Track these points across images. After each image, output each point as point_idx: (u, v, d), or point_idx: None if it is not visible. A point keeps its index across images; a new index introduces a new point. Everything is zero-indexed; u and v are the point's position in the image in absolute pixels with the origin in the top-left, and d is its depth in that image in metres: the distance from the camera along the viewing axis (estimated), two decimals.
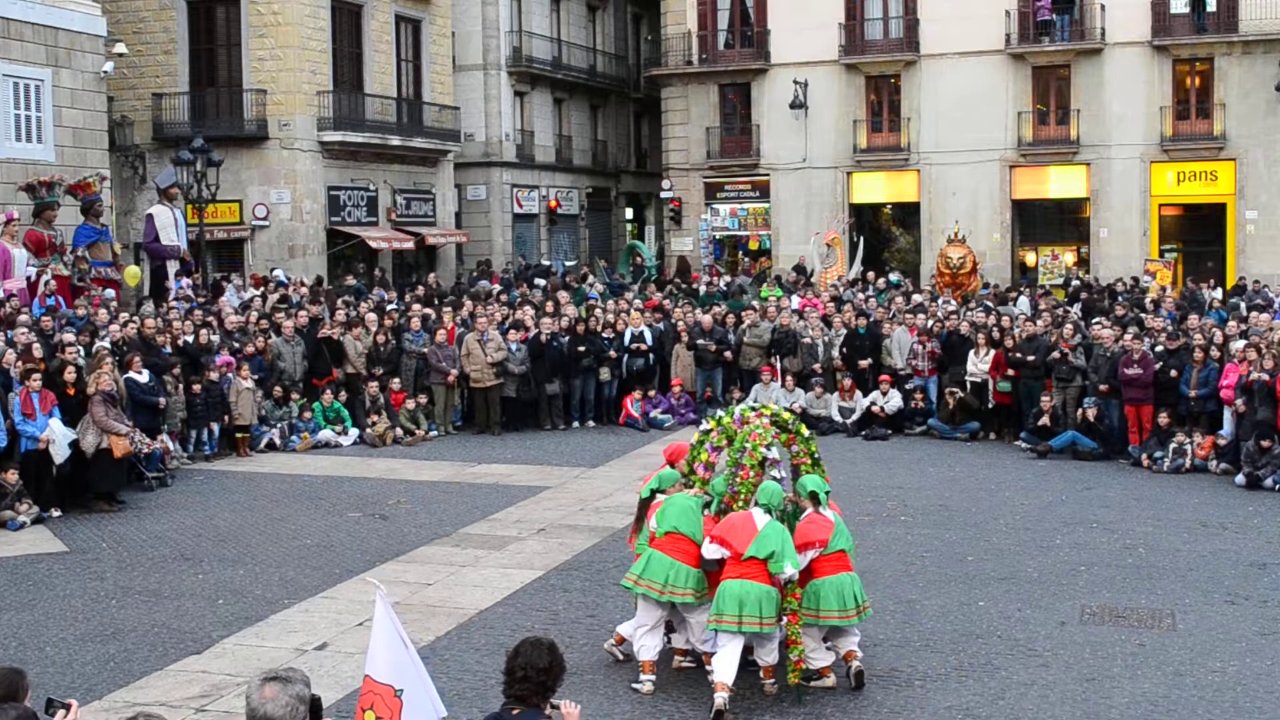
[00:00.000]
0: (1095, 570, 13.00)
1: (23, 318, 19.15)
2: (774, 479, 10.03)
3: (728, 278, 34.55)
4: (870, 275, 32.67)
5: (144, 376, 17.82)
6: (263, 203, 32.25)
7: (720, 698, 9.04)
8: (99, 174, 26.18)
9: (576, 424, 23.04)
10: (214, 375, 19.65)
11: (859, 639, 9.89)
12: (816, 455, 10.32)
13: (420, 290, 29.04)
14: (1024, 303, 27.84)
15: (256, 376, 20.45)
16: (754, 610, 9.13)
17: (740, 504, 9.86)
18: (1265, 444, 17.28)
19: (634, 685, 9.63)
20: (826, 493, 9.88)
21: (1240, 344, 19.22)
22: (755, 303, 27.24)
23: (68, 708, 4.97)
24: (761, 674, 9.55)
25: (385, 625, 5.35)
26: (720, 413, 10.60)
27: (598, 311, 24.46)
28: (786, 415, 10.37)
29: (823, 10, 39.34)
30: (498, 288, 30.74)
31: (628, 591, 10.00)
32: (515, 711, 5.30)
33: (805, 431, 10.40)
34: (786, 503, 9.94)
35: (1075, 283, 33.04)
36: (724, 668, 9.19)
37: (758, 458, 9.94)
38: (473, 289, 30.94)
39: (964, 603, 11.85)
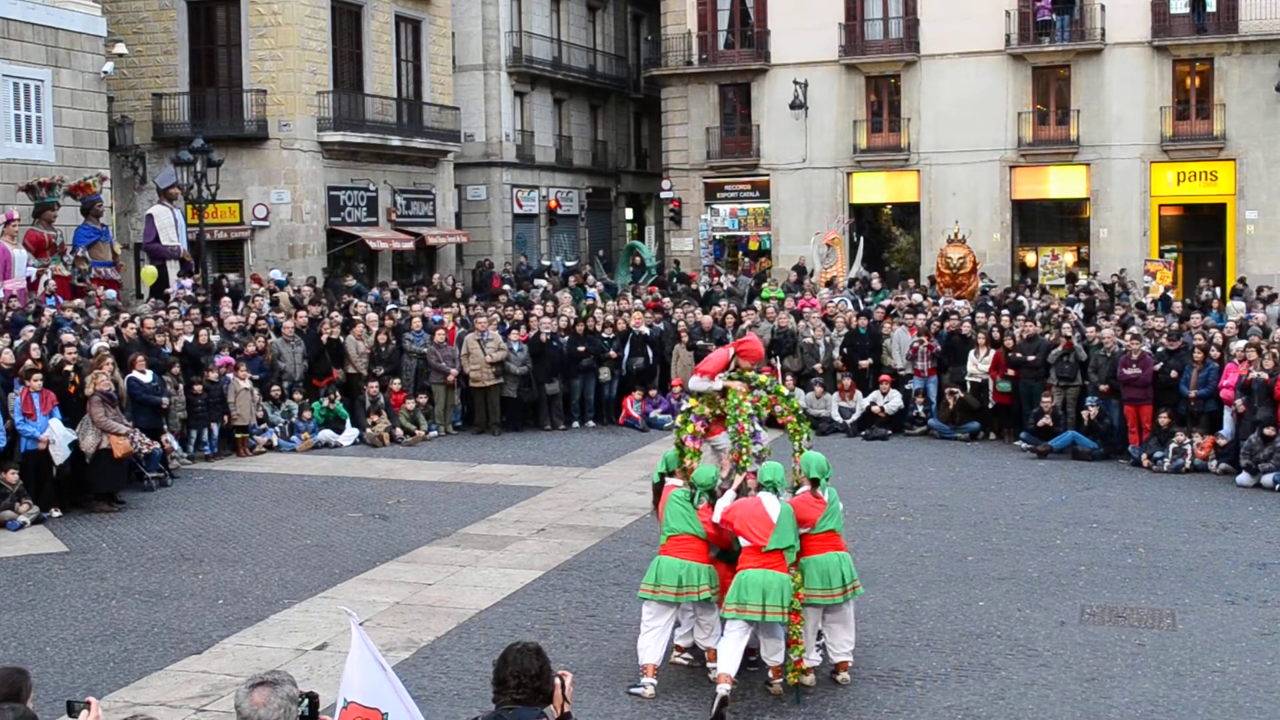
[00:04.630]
0: (1095, 570, 13.00)
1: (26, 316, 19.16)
2: (754, 430, 10.18)
3: (732, 278, 34.56)
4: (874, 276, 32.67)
5: (147, 376, 17.83)
6: (263, 203, 32.23)
7: (724, 688, 9.03)
8: (99, 174, 26.18)
9: (576, 424, 23.05)
10: (213, 375, 19.65)
11: (853, 644, 9.85)
12: (799, 411, 10.50)
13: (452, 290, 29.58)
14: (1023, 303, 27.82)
15: (256, 377, 20.46)
16: (776, 600, 9.14)
17: (746, 459, 9.94)
18: (1269, 432, 17.25)
19: (633, 690, 9.58)
20: (827, 476, 9.85)
21: (1240, 344, 19.24)
22: (756, 302, 27.26)
23: (87, 706, 4.97)
24: (770, 674, 9.53)
25: (361, 650, 5.37)
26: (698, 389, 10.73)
27: (598, 312, 24.47)
28: (763, 378, 10.50)
29: (823, 10, 39.30)
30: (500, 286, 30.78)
31: (643, 600, 9.90)
32: (511, 711, 5.30)
33: (784, 390, 10.60)
34: (790, 478, 10.01)
35: (1080, 281, 33.11)
36: (729, 660, 9.17)
37: (745, 411, 10.11)
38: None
39: (964, 603, 11.85)
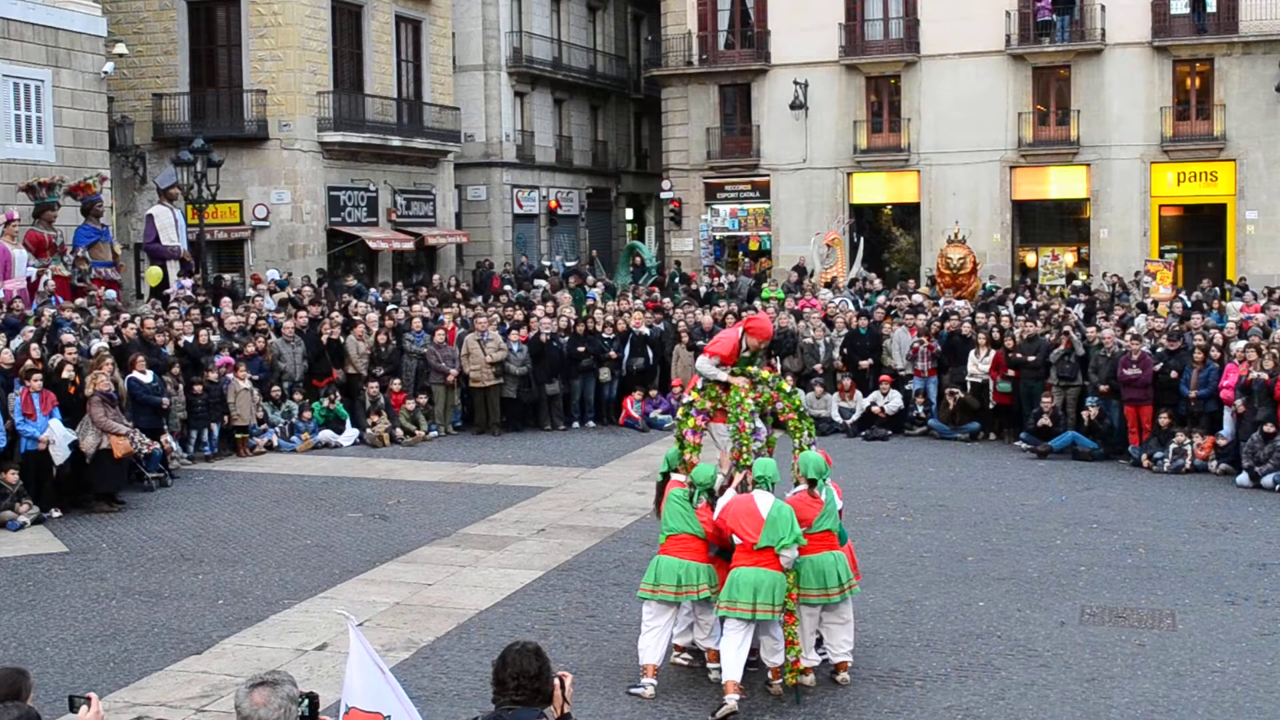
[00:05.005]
0: (1095, 570, 13.00)
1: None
2: (755, 427, 10.17)
3: (732, 277, 34.57)
4: (872, 276, 32.69)
5: (148, 376, 17.82)
6: (263, 203, 32.25)
7: (732, 700, 9.02)
8: (99, 174, 26.17)
9: (576, 424, 23.05)
10: (213, 376, 19.65)
11: (852, 644, 9.85)
12: (801, 409, 10.49)
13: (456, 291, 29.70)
14: (1020, 304, 27.81)
15: (256, 377, 20.45)
16: (767, 598, 9.12)
17: (746, 457, 9.93)
18: (1269, 429, 17.24)
19: (633, 690, 9.56)
20: (825, 477, 9.83)
21: (1240, 344, 19.24)
22: (756, 302, 27.26)
23: (88, 701, 4.98)
24: (770, 675, 9.51)
25: (360, 654, 5.38)
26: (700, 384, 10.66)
27: (597, 312, 24.47)
28: (765, 374, 10.45)
29: (823, 10, 39.33)
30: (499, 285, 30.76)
31: (643, 600, 9.88)
32: (510, 711, 5.31)
33: (786, 386, 10.54)
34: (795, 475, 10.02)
35: (1077, 282, 33.11)
36: (733, 665, 9.15)
37: (748, 409, 10.10)
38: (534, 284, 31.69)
39: (964, 603, 11.84)
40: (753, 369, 10.52)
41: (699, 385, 10.56)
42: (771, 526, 9.18)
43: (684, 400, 10.65)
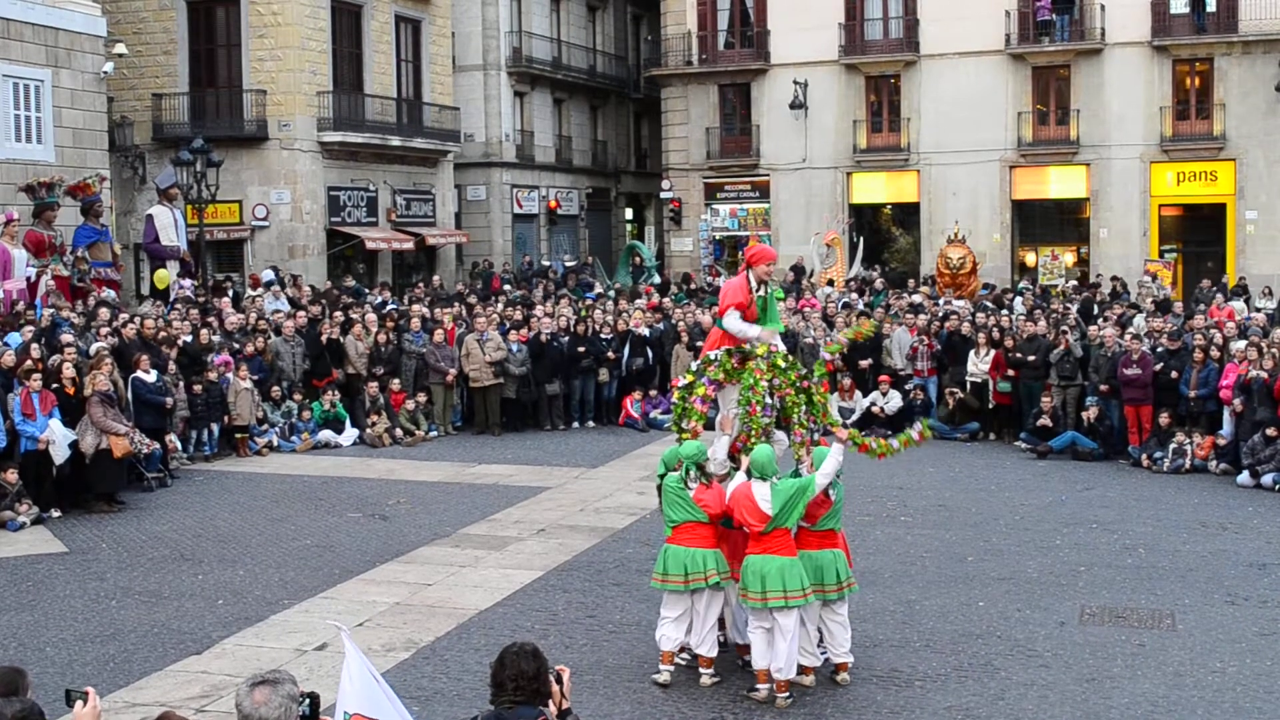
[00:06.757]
0: (1095, 570, 13.00)
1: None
2: (765, 404, 10.14)
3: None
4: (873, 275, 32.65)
5: (151, 376, 17.81)
6: (262, 203, 32.23)
7: (764, 689, 9.26)
8: (99, 174, 26.12)
9: (576, 424, 23.05)
10: (213, 375, 19.65)
11: (850, 639, 9.84)
12: (799, 385, 10.22)
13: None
14: (1019, 304, 27.79)
15: (256, 377, 20.45)
16: (776, 585, 9.16)
17: (755, 440, 9.93)
18: (1272, 433, 17.23)
19: (653, 677, 9.70)
20: (839, 475, 9.79)
21: (1240, 344, 19.24)
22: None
23: (85, 696, 4.99)
24: (775, 688, 9.47)
25: (356, 662, 5.39)
26: (716, 353, 10.47)
27: (597, 312, 24.47)
28: (762, 349, 10.29)
29: (823, 10, 39.33)
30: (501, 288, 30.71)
31: (655, 590, 9.93)
32: (510, 709, 5.33)
33: (782, 363, 10.25)
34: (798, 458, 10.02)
35: (1073, 283, 33.08)
36: (759, 656, 9.33)
37: (760, 392, 10.04)
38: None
39: (964, 603, 11.84)
40: (761, 350, 10.35)
41: (707, 359, 10.45)
42: (778, 514, 9.21)
43: (683, 383, 10.57)
